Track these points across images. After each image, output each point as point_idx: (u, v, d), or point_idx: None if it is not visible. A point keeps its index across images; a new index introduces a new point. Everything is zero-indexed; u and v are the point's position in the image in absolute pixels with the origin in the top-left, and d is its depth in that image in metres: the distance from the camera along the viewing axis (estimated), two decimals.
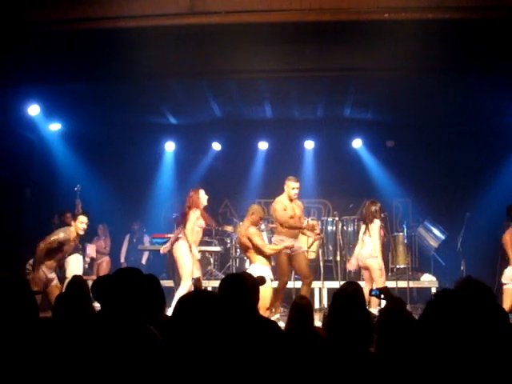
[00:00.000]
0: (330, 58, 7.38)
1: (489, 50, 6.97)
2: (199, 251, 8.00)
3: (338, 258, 9.50)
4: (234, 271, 9.65)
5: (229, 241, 10.48)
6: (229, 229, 10.67)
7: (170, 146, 11.71)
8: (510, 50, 6.85)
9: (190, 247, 7.57)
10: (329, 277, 9.31)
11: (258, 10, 6.28)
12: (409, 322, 3.34)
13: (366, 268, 8.05)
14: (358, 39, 6.95)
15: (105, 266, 10.67)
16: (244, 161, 11.62)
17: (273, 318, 6.71)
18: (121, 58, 7.26)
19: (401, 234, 10.47)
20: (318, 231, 8.45)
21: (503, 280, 7.73)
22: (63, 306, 3.98)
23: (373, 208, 8.02)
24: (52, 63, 7.33)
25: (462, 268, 9.21)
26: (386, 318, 3.47)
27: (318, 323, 5.83)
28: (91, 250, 10.28)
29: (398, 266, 10.10)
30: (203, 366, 2.40)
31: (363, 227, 8.14)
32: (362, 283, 7.23)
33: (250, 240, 7.31)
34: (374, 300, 7.23)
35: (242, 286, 3.52)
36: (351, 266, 8.59)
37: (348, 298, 3.03)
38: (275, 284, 7.49)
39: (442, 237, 10.33)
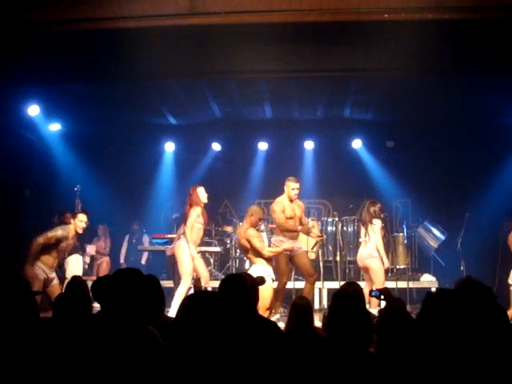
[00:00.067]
0: (330, 59, 7.38)
1: (489, 50, 6.96)
2: (199, 252, 7.98)
3: (338, 259, 9.49)
4: (234, 271, 9.65)
5: (228, 241, 10.49)
6: (228, 229, 10.67)
7: (169, 147, 11.70)
8: (509, 50, 6.84)
9: (188, 243, 7.57)
10: (329, 277, 9.31)
11: (257, 11, 6.28)
12: (408, 323, 3.34)
13: (366, 268, 8.04)
14: (357, 39, 6.95)
15: (105, 267, 10.67)
16: (244, 161, 11.63)
17: (273, 319, 6.72)
18: (121, 59, 7.26)
19: (401, 234, 10.47)
20: (318, 233, 8.46)
21: (510, 281, 7.67)
22: (63, 306, 3.97)
23: (371, 209, 8.01)
24: (52, 63, 7.33)
25: (461, 268, 9.21)
26: (386, 319, 3.47)
27: (318, 323, 5.84)
28: (91, 249, 10.29)
29: (397, 267, 10.09)
30: (203, 365, 2.39)
31: (363, 229, 8.12)
32: (362, 283, 7.24)
33: (249, 242, 7.31)
34: (374, 300, 7.23)
35: (242, 287, 3.52)
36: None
37: (348, 298, 3.03)
38: (276, 284, 7.49)
39: (442, 237, 10.33)
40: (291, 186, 7.69)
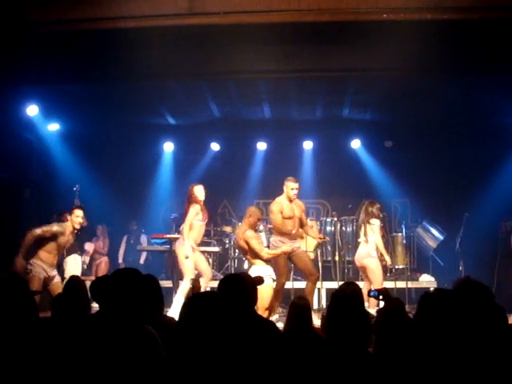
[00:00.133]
0: (329, 59, 7.38)
1: (488, 50, 6.97)
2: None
3: (337, 259, 9.49)
4: (233, 272, 9.64)
5: (227, 241, 10.48)
6: (227, 229, 10.67)
7: (168, 147, 11.70)
8: (509, 50, 6.85)
9: (184, 241, 7.56)
10: (327, 277, 9.30)
11: (256, 11, 6.28)
12: (407, 323, 3.34)
13: (363, 268, 8.03)
14: (356, 39, 6.96)
15: (103, 267, 10.66)
16: (243, 161, 11.62)
17: (272, 319, 6.71)
18: (120, 59, 7.26)
19: (399, 234, 10.46)
20: (317, 233, 8.44)
21: None
22: (61, 306, 3.97)
23: (369, 209, 8.00)
24: (51, 63, 7.33)
25: (460, 268, 9.21)
26: (384, 319, 3.47)
27: (316, 321, 5.83)
28: (89, 247, 10.30)
29: (396, 267, 10.08)
30: (202, 365, 2.40)
31: (362, 228, 8.11)
32: (360, 283, 7.24)
33: (247, 243, 7.30)
34: (373, 300, 7.22)
35: (241, 287, 3.53)
36: None
37: (346, 298, 3.03)
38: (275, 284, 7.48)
39: (441, 237, 10.33)
40: (290, 186, 7.68)
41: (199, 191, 7.77)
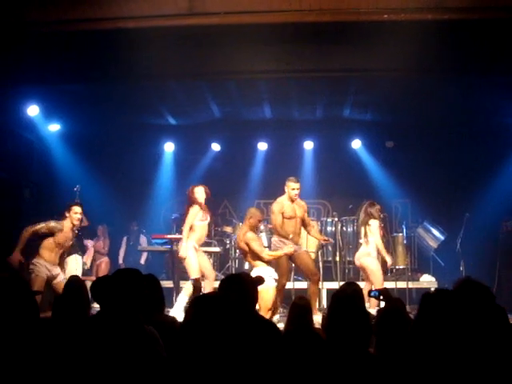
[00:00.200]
0: (330, 59, 7.37)
1: (488, 50, 6.96)
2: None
3: (338, 259, 9.48)
4: (234, 272, 9.64)
5: (228, 241, 10.48)
6: (228, 229, 10.66)
7: (169, 147, 11.70)
8: (509, 50, 6.85)
9: (182, 242, 7.56)
10: (328, 277, 9.30)
11: (257, 11, 6.28)
12: (408, 323, 3.33)
13: (363, 268, 8.03)
14: (357, 40, 6.95)
15: (104, 267, 10.66)
16: (243, 161, 11.62)
17: (273, 319, 6.71)
18: (120, 59, 7.26)
19: (400, 234, 10.46)
20: (318, 234, 8.40)
21: None
22: (61, 306, 3.97)
23: (369, 210, 7.99)
24: (51, 64, 7.33)
25: (461, 268, 9.21)
26: (385, 319, 3.47)
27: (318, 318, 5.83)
28: (89, 243, 10.32)
29: (397, 267, 10.08)
30: (202, 365, 2.39)
31: (362, 229, 8.09)
32: (361, 284, 7.23)
33: (248, 245, 7.28)
34: (374, 301, 7.21)
35: (242, 287, 3.52)
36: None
37: (347, 298, 3.03)
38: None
39: (442, 237, 10.32)
40: (291, 186, 7.68)
41: (199, 192, 7.75)
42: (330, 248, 10.00)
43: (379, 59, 7.20)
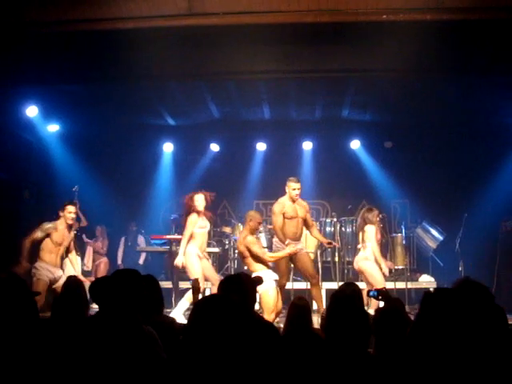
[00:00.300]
0: (329, 59, 7.38)
1: (488, 50, 6.97)
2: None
3: (337, 259, 9.47)
4: (233, 272, 9.63)
5: (227, 242, 10.47)
6: (227, 230, 10.66)
7: (168, 147, 11.70)
8: (509, 50, 6.85)
9: (183, 248, 7.53)
10: (327, 278, 9.29)
11: (256, 11, 6.28)
12: (407, 323, 3.33)
13: (361, 272, 8.03)
14: (356, 40, 6.96)
15: (102, 268, 10.66)
16: (242, 162, 11.62)
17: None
18: (119, 59, 7.26)
19: (399, 234, 10.45)
20: (328, 240, 8.32)
21: None
22: (60, 306, 3.97)
23: (365, 215, 7.97)
24: (50, 64, 7.33)
25: (460, 269, 9.20)
26: (383, 319, 3.47)
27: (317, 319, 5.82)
28: (87, 241, 10.35)
29: (396, 267, 10.08)
30: (202, 365, 2.39)
31: (360, 234, 8.08)
32: (360, 284, 7.23)
33: (249, 249, 7.22)
34: (374, 301, 7.21)
35: (241, 287, 3.52)
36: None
37: (346, 299, 3.03)
38: None
39: (441, 238, 10.32)
40: (292, 187, 7.66)
41: (199, 200, 7.62)
42: (328, 248, 9.99)
43: (378, 59, 7.19)
